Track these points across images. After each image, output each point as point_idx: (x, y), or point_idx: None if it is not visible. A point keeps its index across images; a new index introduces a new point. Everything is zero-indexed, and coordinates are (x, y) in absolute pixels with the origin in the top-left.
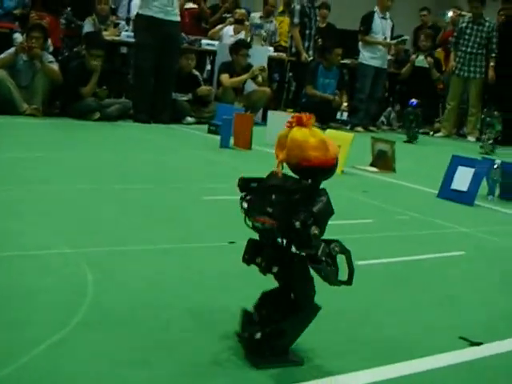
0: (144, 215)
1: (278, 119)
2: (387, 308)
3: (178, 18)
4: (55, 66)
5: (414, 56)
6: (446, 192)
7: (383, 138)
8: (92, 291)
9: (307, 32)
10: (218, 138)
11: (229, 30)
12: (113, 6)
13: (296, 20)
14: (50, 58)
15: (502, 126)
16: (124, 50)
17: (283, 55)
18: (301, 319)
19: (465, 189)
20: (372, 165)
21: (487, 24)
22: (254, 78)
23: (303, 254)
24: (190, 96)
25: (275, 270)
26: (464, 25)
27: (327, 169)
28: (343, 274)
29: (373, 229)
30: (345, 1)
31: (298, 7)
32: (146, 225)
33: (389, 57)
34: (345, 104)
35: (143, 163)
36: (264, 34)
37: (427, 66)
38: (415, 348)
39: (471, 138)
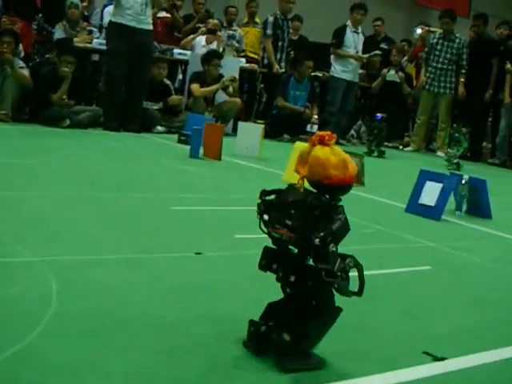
0: (111, 224)
1: (249, 130)
2: (352, 322)
3: (151, 27)
4: (26, 72)
5: (385, 70)
6: (414, 206)
7: (352, 152)
8: (56, 301)
9: (280, 44)
10: (188, 147)
11: (201, 39)
12: (86, 13)
13: (269, 31)
14: (21, 63)
15: (468, 142)
16: (96, 57)
17: (255, 66)
18: (323, 322)
19: (432, 204)
20: None
21: (457, 40)
22: (224, 89)
23: (319, 267)
24: (160, 105)
25: (292, 279)
26: (435, 41)
27: (346, 187)
28: (354, 286)
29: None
30: (317, 14)
31: (271, 19)
32: (113, 234)
33: (360, 70)
34: (315, 116)
35: (112, 172)
36: (236, 44)
37: (398, 80)
38: (378, 363)
39: (440, 153)
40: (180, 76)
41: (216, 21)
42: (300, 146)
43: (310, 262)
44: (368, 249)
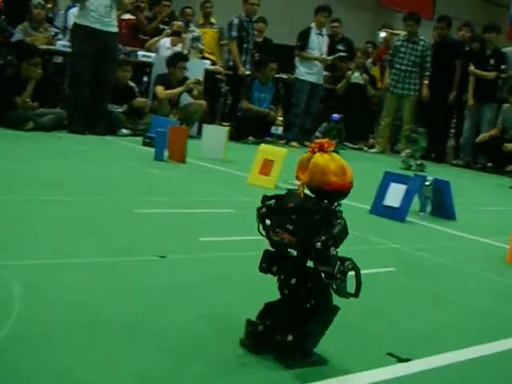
0: (75, 228)
1: (214, 133)
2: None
3: (116, 29)
4: None
5: (349, 72)
6: (379, 208)
7: None
8: (19, 305)
9: (245, 46)
10: (153, 150)
11: (166, 42)
12: (50, 15)
13: (234, 33)
14: None
15: (426, 142)
16: (59, 59)
17: (220, 68)
18: (323, 321)
19: (397, 205)
20: None
21: (421, 43)
22: (189, 91)
23: (320, 269)
24: (125, 108)
25: (293, 281)
26: (399, 43)
27: (344, 192)
28: (351, 287)
29: None
30: (282, 16)
31: (235, 21)
32: (77, 237)
33: (325, 72)
34: (280, 118)
35: (76, 175)
36: (201, 46)
37: (362, 82)
38: (343, 365)
39: (404, 155)
40: (145, 78)
41: (181, 23)
42: (264, 148)
43: (309, 264)
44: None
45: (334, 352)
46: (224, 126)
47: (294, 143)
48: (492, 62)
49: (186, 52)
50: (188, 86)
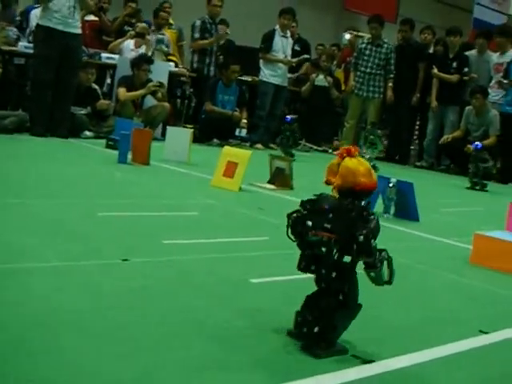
0: (37, 231)
1: (177, 135)
2: (284, 326)
3: (79, 31)
4: None
5: (314, 75)
6: None
7: (281, 156)
8: None
9: (208, 48)
10: (117, 153)
11: (129, 43)
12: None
13: (196, 35)
14: None
15: (384, 144)
16: (22, 61)
17: (184, 71)
18: (348, 316)
19: None
20: (270, 182)
21: (385, 45)
22: (153, 94)
23: (362, 260)
24: (88, 110)
25: (334, 274)
26: (363, 46)
27: (371, 191)
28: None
29: (268, 246)
30: (246, 18)
31: (198, 22)
32: (39, 241)
33: (289, 75)
34: (244, 121)
35: (38, 177)
36: (165, 49)
37: (327, 85)
38: (307, 366)
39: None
40: (108, 80)
41: (144, 24)
42: (229, 150)
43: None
44: (296, 252)
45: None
46: (188, 128)
47: (258, 145)
48: (455, 64)
49: (150, 54)
50: (149, 88)
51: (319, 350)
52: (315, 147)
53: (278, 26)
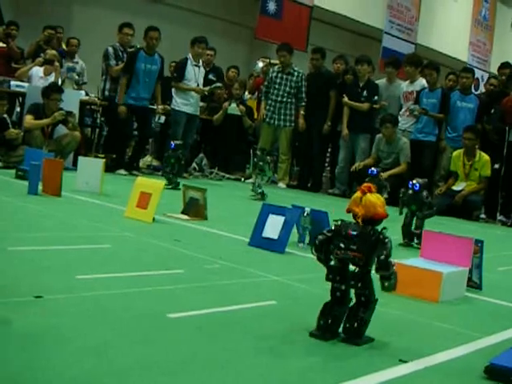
0: None
1: (89, 165)
2: (201, 362)
3: None
4: None
5: (226, 103)
6: (258, 240)
7: (195, 186)
8: None
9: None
10: (27, 183)
11: (38, 70)
12: None
13: (113, 62)
14: None
15: (272, 171)
16: None
17: (95, 99)
18: (372, 311)
19: (276, 236)
20: (183, 212)
21: (296, 73)
22: (64, 123)
23: (379, 274)
24: None
25: (360, 284)
26: (274, 74)
27: (383, 219)
28: None
29: (183, 279)
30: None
31: (110, 49)
32: None
33: (201, 103)
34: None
35: None
36: (76, 77)
37: (239, 113)
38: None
39: (282, 185)
40: (18, 109)
41: (54, 51)
42: (142, 181)
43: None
44: (212, 285)
45: None
46: (100, 157)
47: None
48: (365, 93)
49: (60, 82)
50: (55, 118)
51: (357, 340)
52: (227, 176)
53: (190, 55)
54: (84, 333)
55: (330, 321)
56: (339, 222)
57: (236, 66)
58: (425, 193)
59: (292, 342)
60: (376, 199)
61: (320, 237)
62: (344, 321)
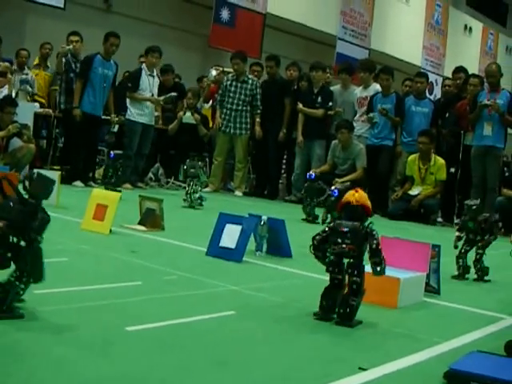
0: None
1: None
2: (159, 375)
3: None
4: None
5: (181, 113)
6: (215, 249)
7: (151, 196)
8: None
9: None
10: None
11: None
12: None
13: None
14: None
15: (206, 175)
16: None
17: (49, 111)
18: (361, 297)
19: (233, 246)
20: (140, 223)
21: (250, 81)
22: (19, 135)
23: (372, 260)
24: None
25: (355, 272)
26: (228, 82)
27: (370, 214)
28: None
29: (141, 291)
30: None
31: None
32: None
33: (156, 113)
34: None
35: None
36: (30, 89)
37: (194, 122)
38: None
39: (238, 193)
40: None
41: (7, 63)
42: (99, 193)
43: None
44: (170, 296)
45: None
46: (55, 169)
47: (127, 185)
48: (319, 99)
49: (13, 94)
50: (9, 131)
51: (350, 323)
52: (184, 185)
53: (144, 65)
54: (42, 348)
55: (330, 302)
56: (331, 224)
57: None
58: None
59: (249, 351)
60: (366, 196)
61: (317, 237)
62: (338, 307)
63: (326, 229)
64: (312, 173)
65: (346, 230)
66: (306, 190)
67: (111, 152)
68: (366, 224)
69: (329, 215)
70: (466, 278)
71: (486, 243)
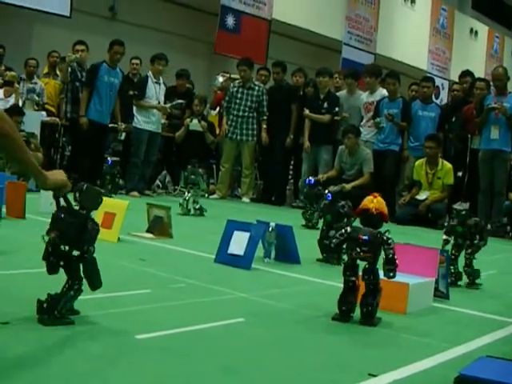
0: None
1: None
2: (170, 383)
3: None
4: None
5: (188, 120)
6: (223, 257)
7: (159, 204)
8: None
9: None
10: None
11: None
12: None
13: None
14: None
15: (206, 183)
16: None
17: (56, 119)
18: (379, 296)
19: (241, 253)
20: (148, 231)
21: (257, 88)
22: (26, 144)
23: (386, 267)
24: None
25: (371, 276)
26: (235, 89)
27: (387, 220)
28: None
29: (150, 299)
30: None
31: (69, 69)
32: None
33: (163, 120)
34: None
35: None
36: (36, 98)
37: (201, 129)
38: None
39: (246, 199)
40: None
41: (14, 72)
42: (106, 201)
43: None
44: (180, 304)
45: None
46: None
47: (134, 193)
48: (326, 105)
49: (20, 103)
50: None
51: (372, 321)
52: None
53: (150, 73)
54: (47, 361)
55: (350, 306)
56: (349, 229)
57: None
58: (342, 202)
59: (258, 358)
60: (384, 202)
61: (334, 240)
62: (360, 308)
63: (343, 232)
64: (311, 178)
65: (365, 238)
66: (305, 195)
67: (108, 158)
68: (383, 231)
69: (320, 220)
70: (459, 285)
71: (475, 248)
